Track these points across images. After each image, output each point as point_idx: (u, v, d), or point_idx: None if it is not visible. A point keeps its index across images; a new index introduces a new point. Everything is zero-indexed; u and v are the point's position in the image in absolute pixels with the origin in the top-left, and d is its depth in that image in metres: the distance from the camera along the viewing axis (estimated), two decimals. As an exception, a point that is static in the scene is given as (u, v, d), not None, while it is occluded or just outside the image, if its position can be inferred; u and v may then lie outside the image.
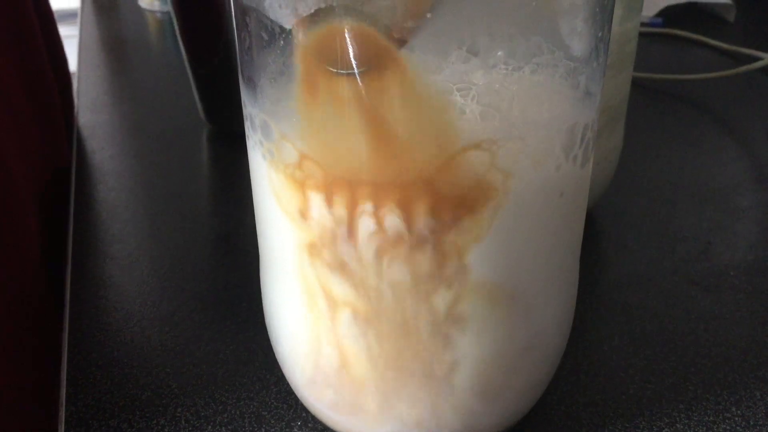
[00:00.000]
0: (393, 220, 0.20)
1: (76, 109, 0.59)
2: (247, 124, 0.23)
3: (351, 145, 0.20)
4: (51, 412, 0.33)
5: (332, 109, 0.19)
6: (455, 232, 0.21)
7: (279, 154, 0.22)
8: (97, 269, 0.39)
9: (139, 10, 0.84)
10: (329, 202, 0.21)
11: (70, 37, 0.80)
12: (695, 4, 0.80)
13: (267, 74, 0.21)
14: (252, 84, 0.22)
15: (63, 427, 0.29)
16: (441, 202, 0.20)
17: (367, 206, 0.20)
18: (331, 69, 0.19)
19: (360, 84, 0.19)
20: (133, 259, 0.39)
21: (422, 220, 0.20)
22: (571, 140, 0.21)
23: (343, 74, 0.19)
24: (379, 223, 0.20)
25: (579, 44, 0.20)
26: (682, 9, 0.78)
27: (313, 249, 0.22)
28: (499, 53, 0.19)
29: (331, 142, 0.20)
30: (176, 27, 0.51)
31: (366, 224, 0.21)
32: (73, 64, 0.66)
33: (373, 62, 0.18)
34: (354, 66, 0.19)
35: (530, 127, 0.20)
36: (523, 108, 0.20)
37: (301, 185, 0.21)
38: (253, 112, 0.22)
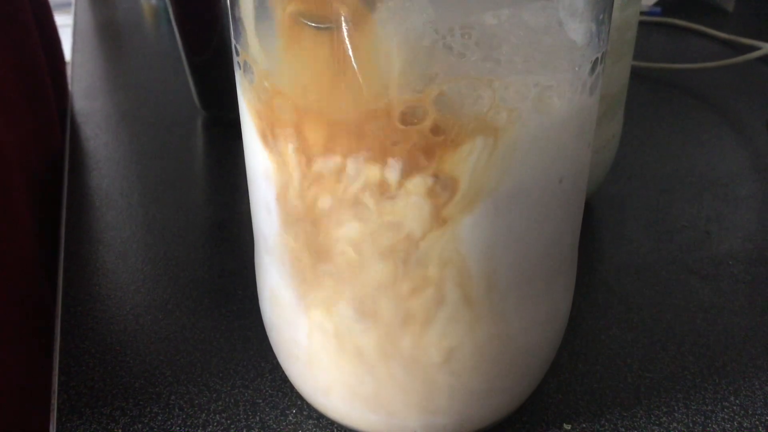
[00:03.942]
0: (379, 172, 0.20)
1: (70, 96, 0.59)
2: (238, 74, 0.23)
3: (338, 91, 0.19)
4: (44, 399, 0.32)
5: (318, 58, 0.19)
6: (446, 188, 0.20)
7: (270, 101, 0.21)
8: (90, 256, 0.38)
9: (134, -2, 0.84)
10: (306, 145, 0.20)
11: (64, 26, 0.79)
12: (694, -7, 0.79)
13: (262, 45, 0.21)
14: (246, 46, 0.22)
15: (55, 415, 0.29)
16: (437, 148, 0.19)
17: (350, 154, 0.20)
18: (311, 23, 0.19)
19: (346, 37, 0.18)
20: (127, 246, 0.39)
21: (420, 169, 0.20)
22: (576, 81, 0.21)
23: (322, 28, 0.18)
24: (369, 174, 0.20)
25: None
26: (681, -2, 0.78)
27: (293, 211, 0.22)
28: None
29: (320, 89, 0.20)
30: (171, 14, 0.51)
31: (351, 174, 0.20)
32: (67, 52, 0.66)
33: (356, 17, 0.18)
34: (339, 20, 0.18)
35: (531, 68, 0.19)
36: (525, 50, 0.19)
37: (292, 130, 0.21)
38: (247, 59, 0.22)
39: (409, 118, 0.19)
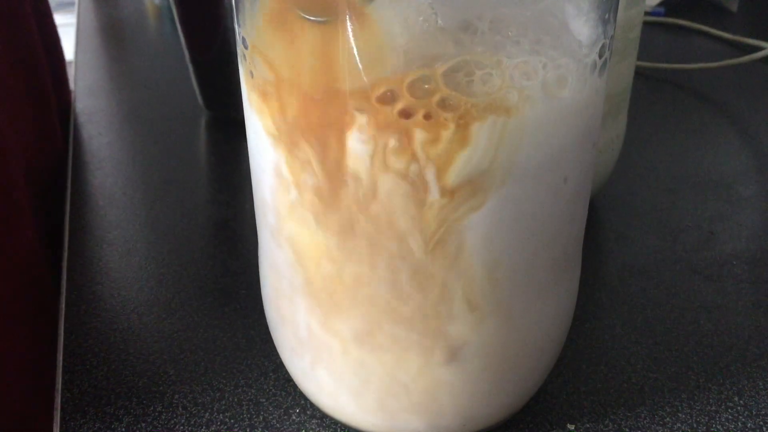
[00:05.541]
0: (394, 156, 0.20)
1: (73, 95, 0.59)
2: (242, 65, 0.23)
3: (342, 78, 0.19)
4: (48, 398, 0.32)
5: (319, 47, 0.19)
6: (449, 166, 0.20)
7: (274, 92, 0.21)
8: (94, 255, 0.38)
9: (138, -3, 0.84)
10: (311, 137, 0.20)
11: (67, 26, 0.79)
12: (697, -7, 0.79)
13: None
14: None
15: (59, 414, 0.29)
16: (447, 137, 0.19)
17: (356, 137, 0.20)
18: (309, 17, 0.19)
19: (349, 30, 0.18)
20: (131, 245, 0.39)
21: (429, 161, 0.20)
22: (584, 65, 0.20)
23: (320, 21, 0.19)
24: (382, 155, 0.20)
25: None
26: (685, -2, 0.78)
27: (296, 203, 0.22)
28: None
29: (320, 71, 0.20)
30: (175, 13, 0.51)
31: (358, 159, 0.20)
32: (70, 51, 0.66)
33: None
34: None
35: (539, 49, 0.19)
36: (533, 32, 0.19)
37: (297, 122, 0.21)
38: (252, 49, 0.22)
39: (417, 93, 0.19)
